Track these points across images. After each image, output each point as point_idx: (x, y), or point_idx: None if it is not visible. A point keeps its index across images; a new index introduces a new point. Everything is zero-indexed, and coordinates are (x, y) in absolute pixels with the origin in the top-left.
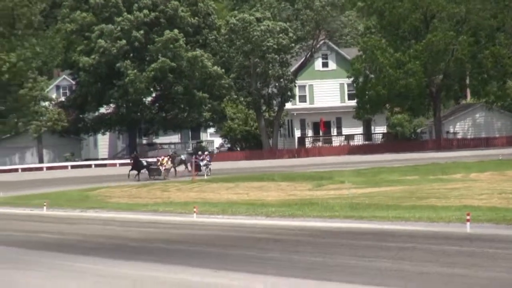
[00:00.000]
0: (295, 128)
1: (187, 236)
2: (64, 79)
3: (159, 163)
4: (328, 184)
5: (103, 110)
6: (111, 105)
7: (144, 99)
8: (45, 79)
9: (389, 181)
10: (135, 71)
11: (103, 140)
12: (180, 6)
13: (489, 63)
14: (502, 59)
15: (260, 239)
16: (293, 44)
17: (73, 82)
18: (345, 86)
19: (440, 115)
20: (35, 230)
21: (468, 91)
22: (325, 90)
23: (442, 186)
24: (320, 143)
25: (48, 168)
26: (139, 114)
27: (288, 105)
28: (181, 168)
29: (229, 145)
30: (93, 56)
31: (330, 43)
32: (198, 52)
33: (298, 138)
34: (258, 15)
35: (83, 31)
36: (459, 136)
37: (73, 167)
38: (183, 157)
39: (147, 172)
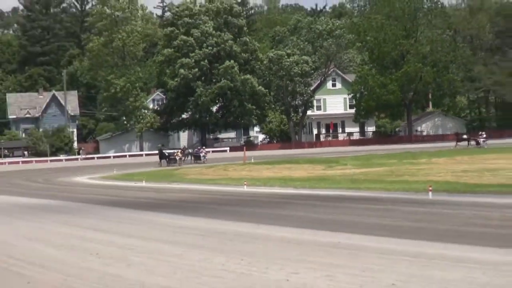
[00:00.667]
0: (313, 128)
1: (238, 200)
2: (158, 94)
3: (175, 155)
4: (336, 166)
5: (183, 116)
6: (188, 112)
7: (210, 108)
8: (144, 94)
9: (377, 164)
10: (201, 88)
11: (183, 135)
12: (234, 45)
13: (445, 85)
14: (453, 82)
15: (289, 203)
16: (312, 71)
17: (164, 97)
18: (347, 99)
19: (411, 119)
20: (121, 195)
21: (430, 103)
22: (334, 102)
23: (412, 167)
24: (330, 138)
25: (146, 155)
26: (207, 118)
27: (309, 112)
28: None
29: (268, 139)
30: (176, 79)
31: (337, 70)
32: (248, 76)
33: (315, 134)
34: (288, 51)
35: (170, 62)
36: (424, 133)
37: None
38: (190, 150)
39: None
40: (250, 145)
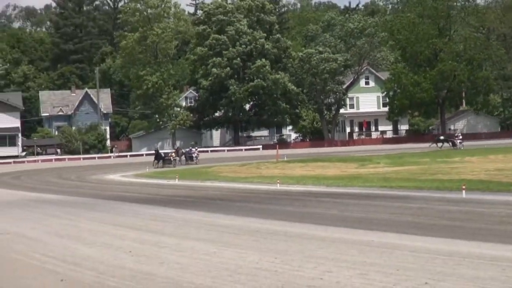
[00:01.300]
0: (346, 126)
1: (271, 199)
2: (190, 92)
3: (170, 156)
4: (369, 164)
5: (216, 114)
6: (221, 110)
7: (243, 106)
8: (177, 92)
9: (410, 162)
10: (234, 86)
11: (216, 133)
12: (267, 43)
13: (479, 82)
14: (487, 80)
15: (322, 201)
16: (342, 69)
17: (196, 95)
18: (380, 97)
19: (445, 117)
20: (154, 193)
21: (464, 101)
22: (367, 100)
23: (446, 166)
24: (363, 136)
25: None
26: (240, 116)
27: (342, 110)
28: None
29: (301, 137)
30: (210, 78)
31: (370, 68)
32: (279, 75)
33: (348, 133)
34: (320, 48)
35: (202, 60)
36: (457, 131)
37: None
38: (183, 151)
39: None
40: (283, 143)
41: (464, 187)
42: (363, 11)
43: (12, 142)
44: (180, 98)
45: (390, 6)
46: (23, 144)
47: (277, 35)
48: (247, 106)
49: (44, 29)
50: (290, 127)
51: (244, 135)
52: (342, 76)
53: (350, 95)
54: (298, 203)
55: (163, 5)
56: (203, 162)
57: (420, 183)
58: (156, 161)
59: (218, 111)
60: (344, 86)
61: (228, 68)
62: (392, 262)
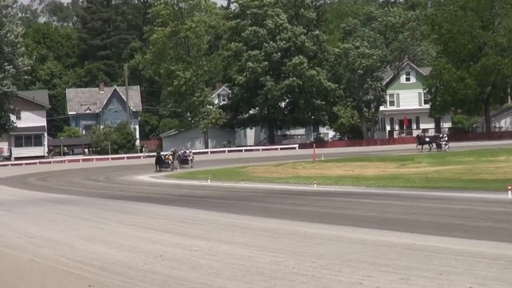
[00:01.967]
0: (386, 124)
1: (308, 200)
2: (223, 89)
3: (167, 158)
4: (410, 164)
5: (251, 112)
6: (256, 108)
7: (279, 104)
8: (210, 89)
9: (453, 162)
10: (271, 83)
11: (250, 132)
12: (307, 40)
13: None
14: None
15: (362, 202)
16: (378, 64)
17: (229, 92)
18: (422, 94)
19: (489, 115)
20: (186, 194)
21: (509, 97)
22: (408, 97)
23: (491, 165)
24: (403, 135)
25: (212, 152)
26: (275, 114)
27: (381, 108)
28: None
29: (339, 136)
30: (244, 74)
31: (411, 63)
32: (315, 71)
33: (388, 131)
34: (357, 43)
35: (236, 56)
36: (502, 129)
37: (229, 151)
38: (180, 153)
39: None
40: (320, 142)
41: (510, 187)
42: (403, 4)
43: (38, 142)
44: (213, 96)
45: None
46: (49, 144)
47: (316, 32)
48: (283, 104)
49: (71, 24)
50: (327, 126)
51: (280, 133)
52: (380, 72)
53: (390, 91)
54: (336, 205)
55: None
56: (234, 162)
57: (464, 183)
58: (158, 165)
59: (252, 109)
60: (384, 83)
61: (266, 62)
62: (435, 266)
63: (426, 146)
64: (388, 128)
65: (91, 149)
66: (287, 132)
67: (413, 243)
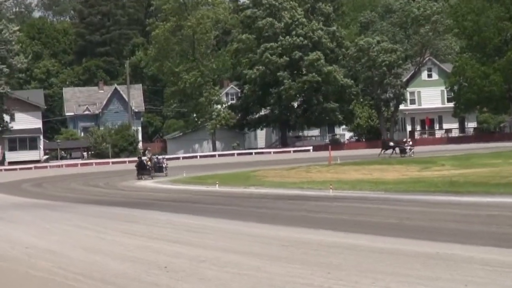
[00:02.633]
0: (406, 124)
1: (323, 206)
2: (232, 87)
3: (146, 162)
4: (432, 167)
5: (262, 112)
6: (268, 108)
7: (292, 103)
8: (217, 88)
9: (479, 164)
10: (289, 80)
11: (261, 134)
12: (324, 36)
13: None
14: None
15: (380, 208)
16: (400, 61)
17: (239, 90)
18: (445, 92)
19: None
20: (191, 200)
21: None
22: (430, 95)
23: None
24: (425, 135)
25: (220, 155)
26: (288, 114)
27: (402, 106)
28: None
29: (356, 137)
30: (257, 67)
31: (433, 59)
32: (332, 67)
33: (409, 131)
34: (378, 38)
35: (247, 50)
36: None
37: (238, 154)
38: (155, 159)
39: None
40: (336, 143)
41: None
42: None
43: (33, 145)
44: (221, 95)
45: None
46: (45, 147)
47: (334, 27)
48: (295, 103)
49: (67, 19)
50: (343, 126)
51: (292, 135)
52: (402, 68)
53: (410, 89)
54: (353, 211)
55: None
56: (244, 166)
57: (491, 188)
58: (139, 171)
59: (263, 109)
60: (404, 79)
61: (284, 57)
62: (460, 277)
63: (390, 151)
64: (408, 128)
65: (90, 153)
66: (301, 133)
67: (436, 252)
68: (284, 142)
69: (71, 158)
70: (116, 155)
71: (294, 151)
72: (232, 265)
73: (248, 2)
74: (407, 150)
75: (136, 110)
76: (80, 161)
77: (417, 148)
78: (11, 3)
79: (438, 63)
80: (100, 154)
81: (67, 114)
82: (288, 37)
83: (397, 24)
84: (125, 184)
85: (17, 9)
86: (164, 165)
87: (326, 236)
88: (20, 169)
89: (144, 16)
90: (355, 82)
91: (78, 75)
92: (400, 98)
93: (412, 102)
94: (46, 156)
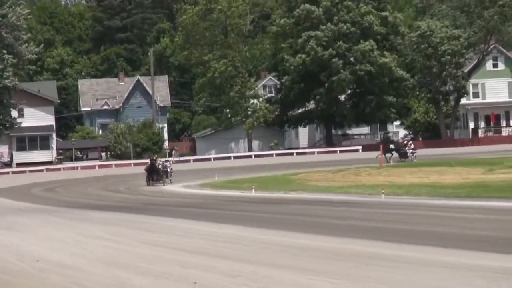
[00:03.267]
0: (469, 120)
1: (374, 214)
2: (270, 79)
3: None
4: (499, 169)
5: (306, 106)
6: (312, 102)
7: (339, 96)
8: (253, 81)
9: None
10: (343, 71)
11: (303, 132)
12: (376, 21)
13: None
14: None
15: (439, 216)
16: (464, 51)
17: (278, 82)
18: None
19: None
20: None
21: None
22: (495, 87)
23: None
24: (491, 133)
25: (256, 156)
26: (335, 109)
27: (463, 100)
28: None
29: (412, 135)
30: (299, 55)
31: (499, 47)
32: (388, 59)
33: (472, 129)
34: (438, 23)
35: (287, 36)
36: None
37: (277, 155)
38: (160, 163)
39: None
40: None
41: None
42: None
43: (44, 145)
44: (257, 87)
45: None
46: (58, 147)
47: (386, 12)
48: (343, 97)
49: (83, 1)
50: (397, 123)
51: (339, 133)
52: (464, 58)
53: (473, 81)
54: (408, 219)
55: None
56: (284, 168)
57: None
58: (151, 177)
59: (307, 103)
60: (466, 70)
61: (331, 50)
62: None
63: (389, 155)
64: (471, 125)
65: (109, 153)
66: (348, 131)
67: (508, 266)
68: (329, 141)
69: (87, 159)
70: (138, 155)
71: (341, 151)
72: (270, 280)
73: None
74: (409, 154)
75: (161, 105)
76: (97, 163)
77: (483, 148)
78: None
79: (505, 51)
80: (120, 155)
81: (83, 109)
82: (329, 24)
83: (458, 7)
84: (149, 189)
85: None
86: (168, 170)
87: (379, 247)
88: (30, 171)
89: None
90: (410, 73)
91: (95, 65)
92: (461, 91)
93: (475, 95)
94: (59, 157)
